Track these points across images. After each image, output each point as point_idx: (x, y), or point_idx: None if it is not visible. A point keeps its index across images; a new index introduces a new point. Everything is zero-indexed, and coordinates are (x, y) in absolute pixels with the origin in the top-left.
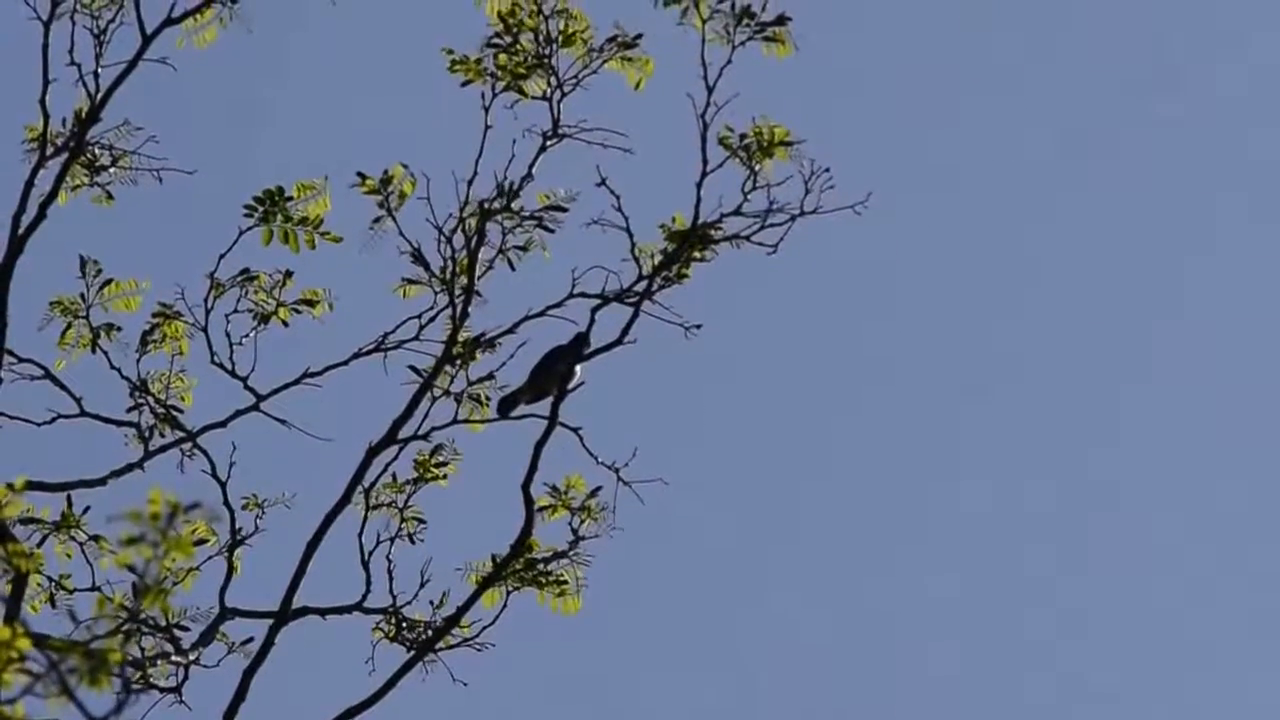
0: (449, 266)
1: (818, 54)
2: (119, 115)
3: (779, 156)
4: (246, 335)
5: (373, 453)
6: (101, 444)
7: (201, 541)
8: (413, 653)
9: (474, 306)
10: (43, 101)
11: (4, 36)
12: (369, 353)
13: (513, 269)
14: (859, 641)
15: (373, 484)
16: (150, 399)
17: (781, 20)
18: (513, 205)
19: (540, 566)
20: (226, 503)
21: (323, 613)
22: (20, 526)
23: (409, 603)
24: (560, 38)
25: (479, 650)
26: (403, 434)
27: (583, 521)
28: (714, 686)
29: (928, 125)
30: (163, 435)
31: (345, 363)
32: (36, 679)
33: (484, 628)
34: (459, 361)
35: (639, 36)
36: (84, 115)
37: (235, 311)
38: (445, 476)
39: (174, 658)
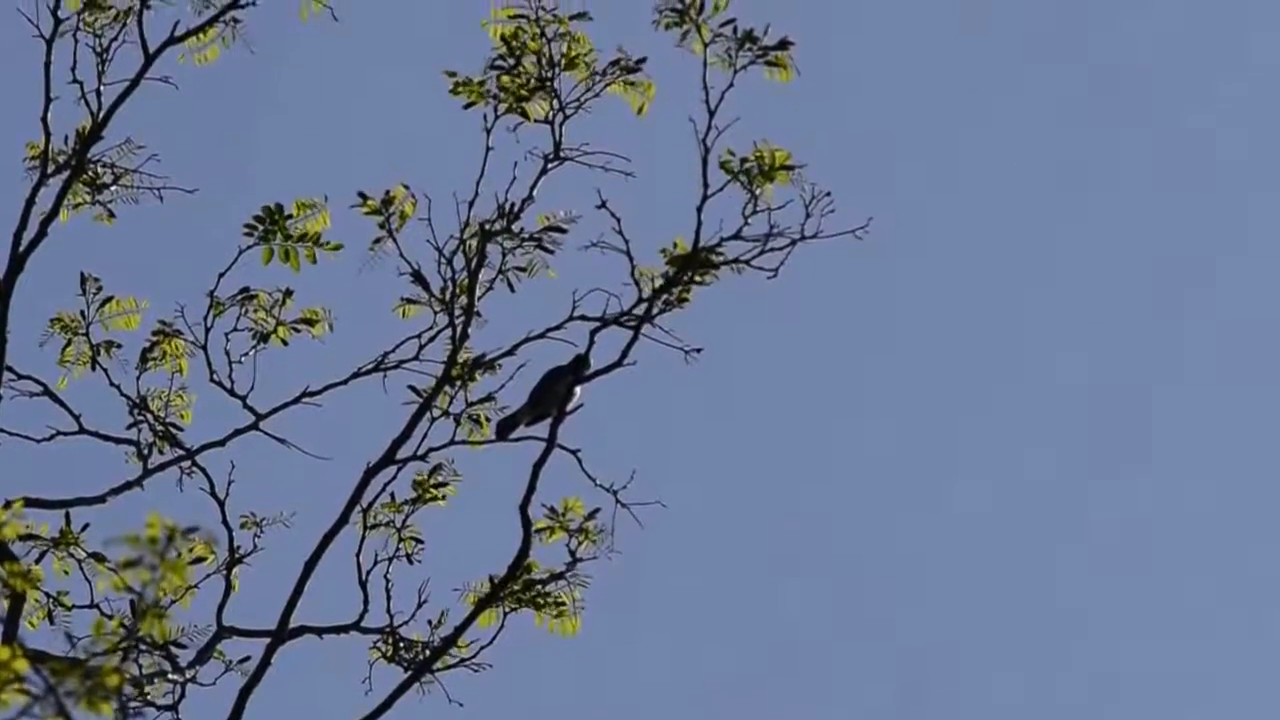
0: (449, 287)
1: (819, 79)
2: (121, 134)
3: (780, 181)
4: (246, 354)
5: (371, 472)
6: (100, 461)
7: (199, 560)
8: (410, 673)
9: (474, 327)
10: (44, 119)
11: (6, 53)
12: (368, 372)
13: (512, 290)
14: (857, 663)
15: (371, 504)
16: (149, 417)
17: (783, 45)
18: (513, 227)
19: (538, 588)
20: (225, 521)
21: (320, 632)
22: (18, 543)
23: (406, 622)
24: (563, 61)
25: (476, 671)
26: (401, 454)
27: (580, 543)
28: (710, 708)
29: (929, 150)
30: (161, 453)
31: (344, 382)
32: (35, 700)
33: (481, 648)
34: (458, 382)
35: (642, 60)
36: (86, 133)
37: (235, 330)
38: (444, 497)
39: (171, 676)
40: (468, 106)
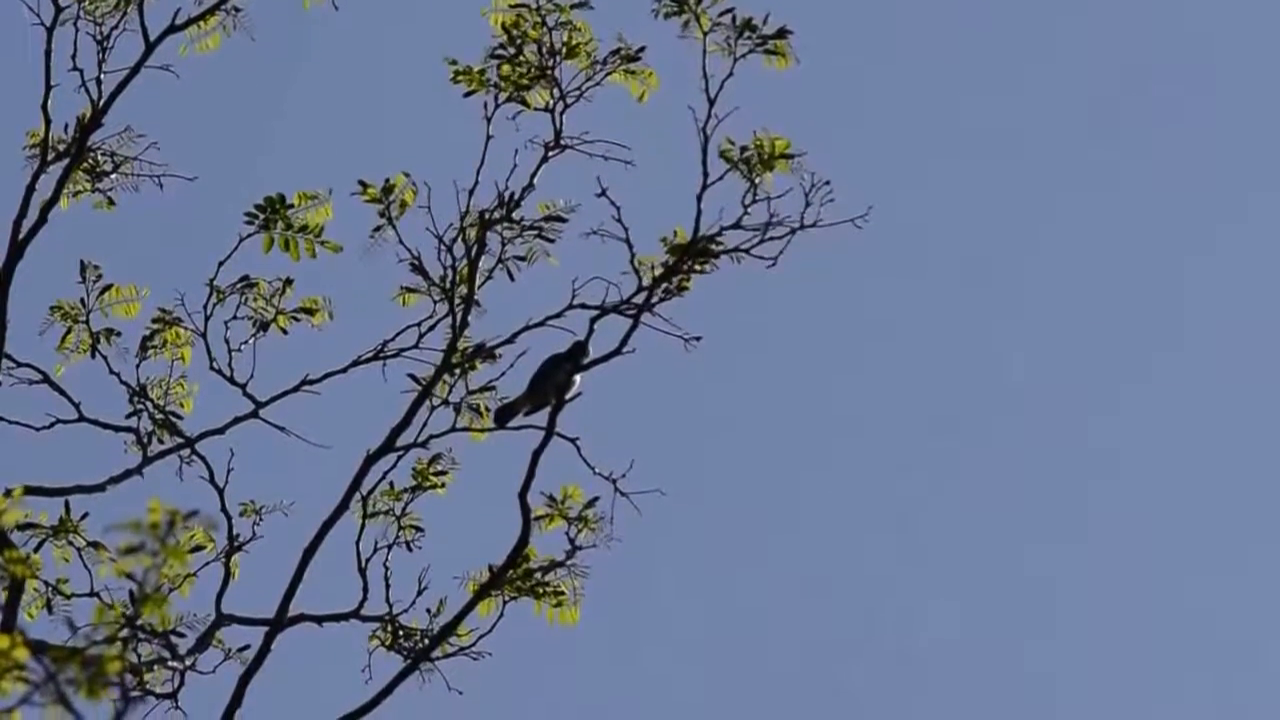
0: (449, 275)
1: (819, 67)
2: (121, 121)
3: (780, 169)
4: (245, 342)
5: (371, 460)
6: (100, 449)
7: (199, 548)
8: (409, 661)
9: (473, 316)
10: (45, 106)
11: (6, 41)
12: (368, 361)
13: (512, 279)
14: (856, 654)
15: (370, 491)
16: (149, 405)
17: (782, 33)
18: (513, 215)
19: (538, 576)
20: (224, 509)
21: (319, 620)
22: (18, 532)
23: (405, 610)
24: (563, 49)
25: (475, 659)
26: (401, 442)
27: (580, 531)
28: (709, 697)
29: (928, 139)
30: (161, 441)
31: (344, 370)
32: (34, 688)
33: (480, 636)
34: (458, 370)
35: (642, 49)
36: (86, 121)
37: (234, 318)
38: (444, 485)
39: (170, 664)
40: (468, 95)
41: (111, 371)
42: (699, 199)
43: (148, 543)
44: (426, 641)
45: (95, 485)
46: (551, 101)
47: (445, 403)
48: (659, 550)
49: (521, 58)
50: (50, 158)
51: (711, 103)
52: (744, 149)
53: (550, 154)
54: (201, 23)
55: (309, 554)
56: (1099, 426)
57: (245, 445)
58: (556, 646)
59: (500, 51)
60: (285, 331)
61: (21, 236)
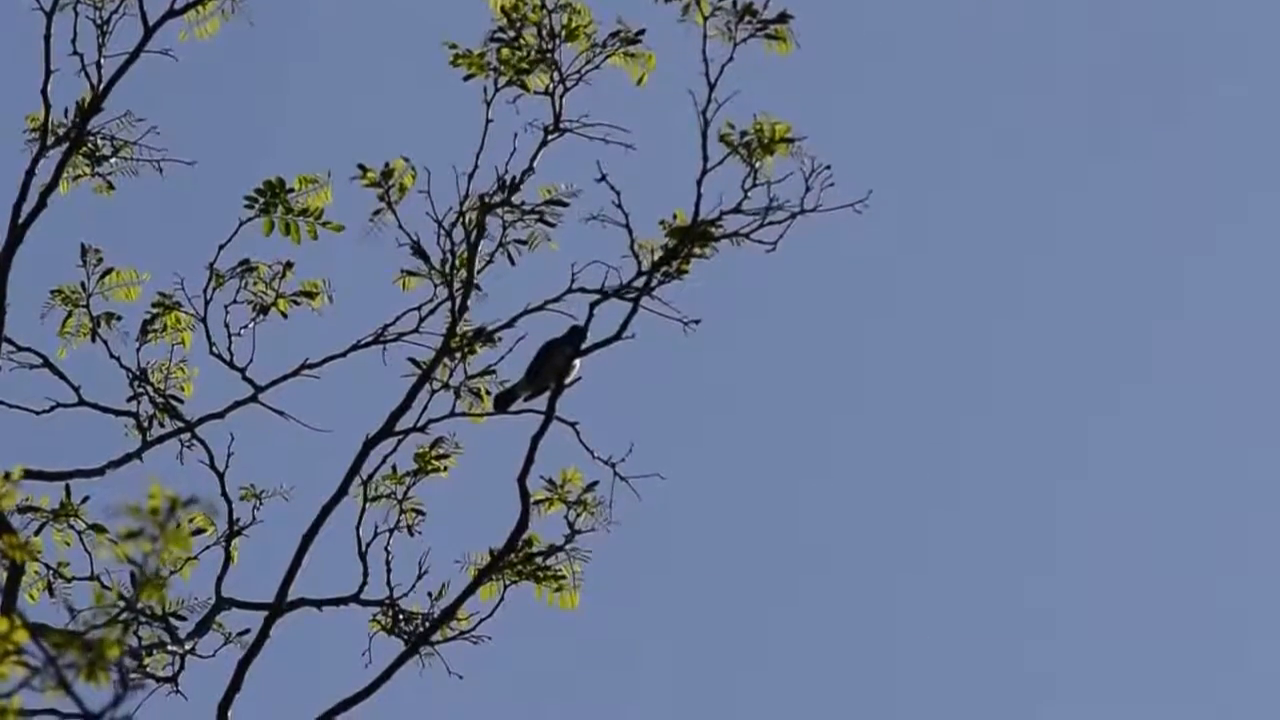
0: (448, 260)
1: (819, 52)
2: (121, 106)
3: (780, 154)
4: (245, 326)
5: (370, 444)
6: (100, 433)
7: (199, 532)
8: (409, 645)
9: (473, 300)
10: (44, 91)
11: (6, 26)
12: (367, 345)
13: (512, 263)
14: (856, 635)
15: (370, 475)
16: (149, 389)
17: (783, 18)
18: (513, 199)
19: (538, 560)
20: (224, 493)
21: (319, 604)
22: (18, 515)
23: (405, 595)
24: (563, 32)
25: (475, 644)
26: (401, 426)
27: (579, 516)
28: (709, 682)
29: (929, 123)
30: (161, 425)
31: (344, 354)
32: (34, 672)
33: (480, 621)
34: (458, 354)
35: (641, 32)
36: (86, 105)
37: (234, 302)
38: (445, 469)
39: (170, 648)
40: (468, 78)
41: (112, 355)
42: (699, 183)
43: (147, 528)
44: (426, 626)
45: (95, 469)
46: (551, 85)
47: (445, 386)
48: (658, 534)
49: (521, 41)
50: (50, 142)
51: (711, 87)
52: (744, 133)
53: (550, 137)
54: (200, 7)
55: (308, 538)
56: (1097, 412)
57: (245, 429)
58: (556, 631)
59: (500, 35)
60: (285, 315)
61: (21, 221)
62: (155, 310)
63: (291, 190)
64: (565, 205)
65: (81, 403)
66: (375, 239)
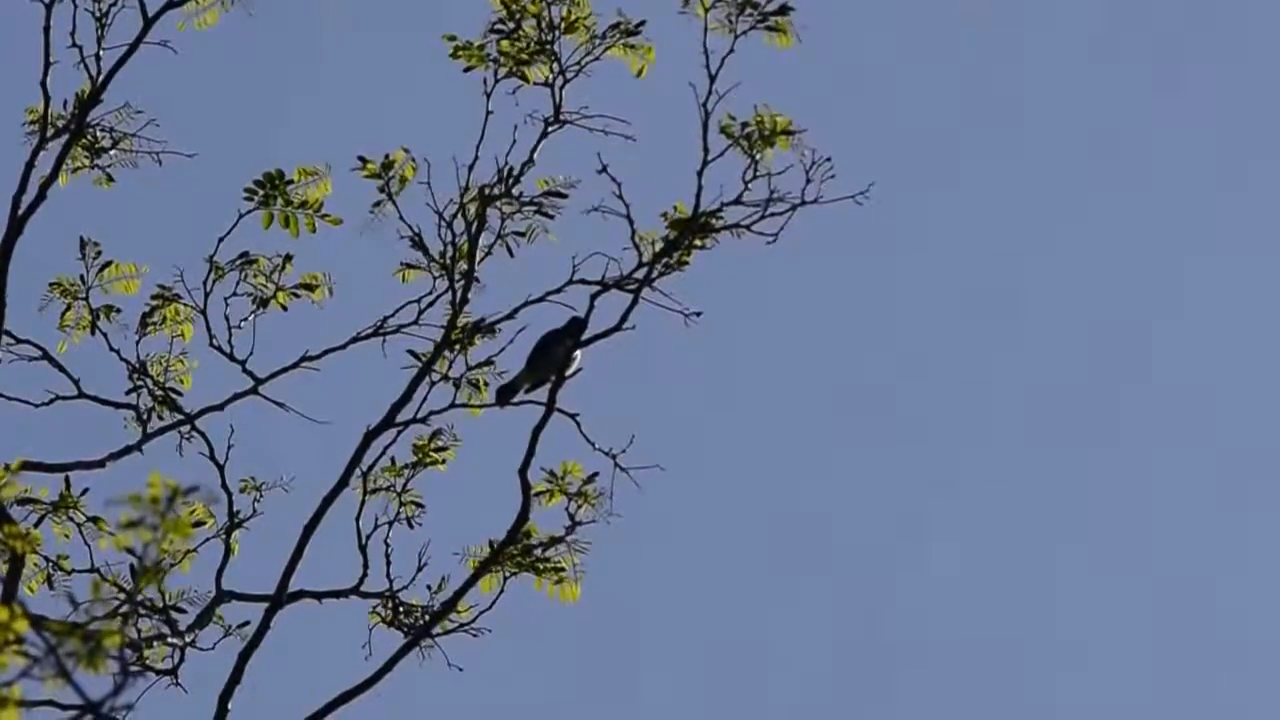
0: (448, 251)
1: (820, 44)
2: (120, 98)
3: (780, 146)
4: (245, 319)
5: (371, 436)
6: (100, 426)
7: (199, 524)
8: (409, 637)
9: (473, 292)
10: (44, 83)
11: (6, 17)
12: (367, 337)
13: (511, 255)
14: (857, 628)
15: (370, 467)
16: (149, 382)
17: (784, 10)
18: (513, 191)
19: (538, 552)
20: (224, 485)
21: (319, 596)
22: (18, 507)
23: (405, 587)
24: (563, 24)
25: (475, 636)
26: (401, 418)
27: (579, 507)
28: (710, 674)
29: (929, 116)
30: (160, 418)
31: (343, 347)
32: (34, 661)
33: (480, 613)
34: (458, 346)
35: (641, 24)
36: (85, 97)
37: (234, 295)
38: (444, 461)
39: (170, 640)
40: (468, 70)
41: (111, 348)
42: (699, 175)
43: (148, 517)
44: (427, 618)
45: (95, 461)
46: (551, 76)
47: (445, 378)
48: (659, 526)
49: (521, 32)
50: (50, 134)
51: (712, 79)
52: (745, 125)
53: (550, 129)
54: None
55: (309, 530)
56: (1098, 407)
57: (245, 422)
58: (556, 623)
59: (499, 26)
60: (285, 308)
61: (21, 213)
62: (155, 303)
63: (291, 183)
64: (564, 197)
65: (81, 395)
66: (375, 231)
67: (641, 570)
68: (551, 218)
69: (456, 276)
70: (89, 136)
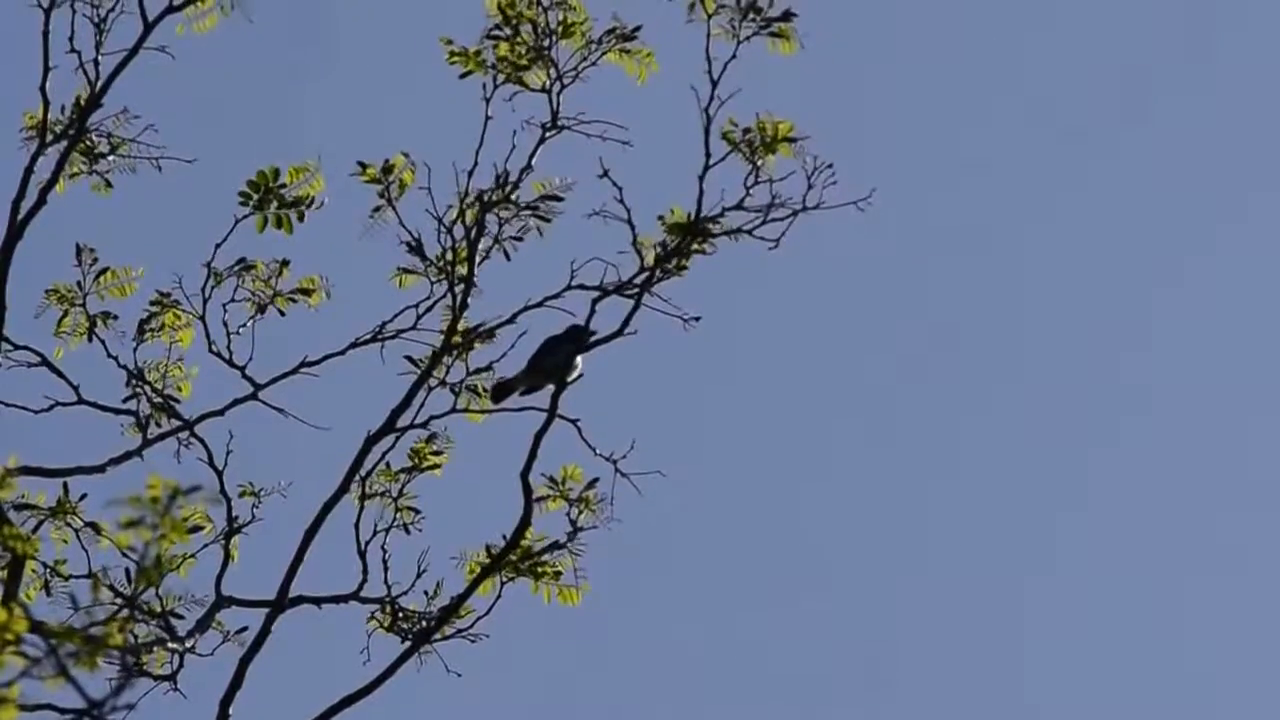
0: (446, 256)
1: (823, 50)
2: (119, 103)
3: (782, 152)
4: (244, 324)
5: (371, 441)
6: (99, 432)
7: (198, 529)
8: (408, 643)
9: (472, 297)
10: (43, 88)
11: (5, 22)
12: (366, 342)
13: (508, 258)
14: (857, 633)
15: (369, 473)
16: (147, 388)
17: (787, 16)
18: (511, 196)
19: (537, 557)
20: (223, 491)
21: (319, 601)
22: (15, 512)
23: (405, 593)
24: (559, 29)
25: (473, 642)
26: (401, 423)
27: (580, 513)
28: (709, 680)
29: (931, 122)
30: (158, 425)
31: (342, 352)
32: (34, 662)
33: (478, 618)
34: (456, 352)
35: (638, 28)
36: (84, 102)
37: (232, 300)
38: (439, 467)
39: (169, 645)
40: (465, 76)
41: (109, 355)
42: (701, 180)
43: (147, 516)
44: (426, 624)
45: (95, 466)
46: (549, 82)
47: (442, 384)
48: (659, 531)
49: (518, 38)
50: (49, 139)
51: (714, 84)
52: (746, 131)
53: (548, 135)
54: (199, 2)
55: (310, 535)
56: (1100, 413)
57: (244, 427)
58: (555, 628)
59: (496, 32)
60: (283, 313)
61: (21, 217)
62: (153, 309)
63: (284, 186)
64: (560, 200)
65: (80, 401)
66: (374, 235)
67: (641, 575)
68: (548, 221)
69: (455, 281)
70: (88, 142)
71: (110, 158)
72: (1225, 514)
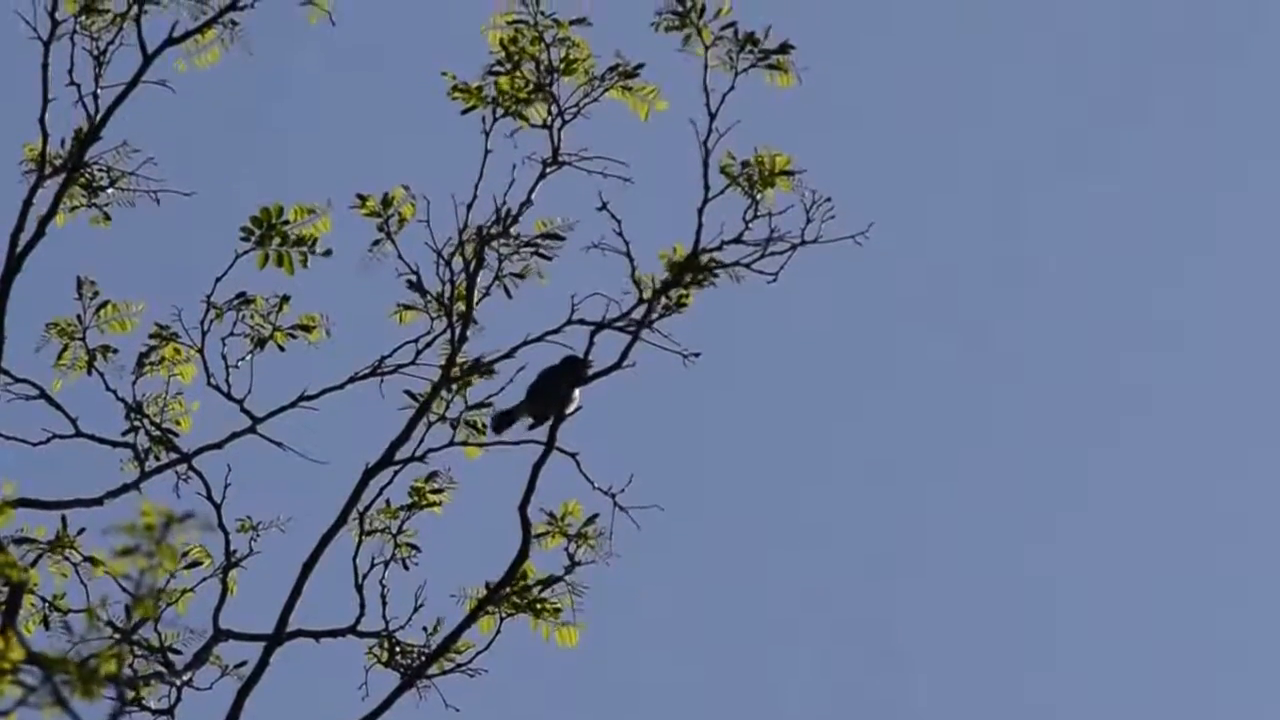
0: (445, 290)
1: (821, 81)
2: (118, 136)
3: (780, 186)
4: (243, 358)
5: (369, 474)
6: (97, 465)
7: (196, 564)
8: (406, 677)
9: (471, 332)
10: (42, 120)
11: (4, 55)
12: (365, 377)
13: (509, 296)
14: (856, 666)
15: (367, 508)
16: (146, 421)
17: (784, 49)
18: (511, 231)
19: (535, 592)
20: (221, 524)
21: (317, 635)
22: (14, 546)
23: (402, 627)
24: (561, 65)
25: (471, 676)
26: (400, 456)
27: (579, 548)
28: (710, 714)
29: (929, 156)
30: (157, 458)
31: (341, 386)
32: (31, 690)
33: (477, 653)
34: (455, 386)
35: (640, 66)
36: (83, 135)
37: (232, 334)
38: (439, 504)
39: (167, 679)
40: (466, 111)
41: (108, 388)
42: (700, 213)
43: (142, 544)
44: (424, 658)
45: (93, 499)
46: (549, 118)
47: (442, 419)
48: (658, 566)
49: (519, 74)
50: (48, 172)
51: (712, 117)
52: (745, 165)
53: (548, 170)
54: (199, 37)
55: (308, 568)
56: (1097, 444)
57: (243, 461)
58: (553, 663)
59: (498, 68)
60: (282, 349)
61: (20, 249)
62: (152, 343)
63: (288, 222)
64: (562, 239)
65: (79, 434)
66: (374, 270)
67: (639, 610)
68: (549, 259)
69: (455, 316)
70: (87, 175)
71: (109, 191)
72: (1227, 511)
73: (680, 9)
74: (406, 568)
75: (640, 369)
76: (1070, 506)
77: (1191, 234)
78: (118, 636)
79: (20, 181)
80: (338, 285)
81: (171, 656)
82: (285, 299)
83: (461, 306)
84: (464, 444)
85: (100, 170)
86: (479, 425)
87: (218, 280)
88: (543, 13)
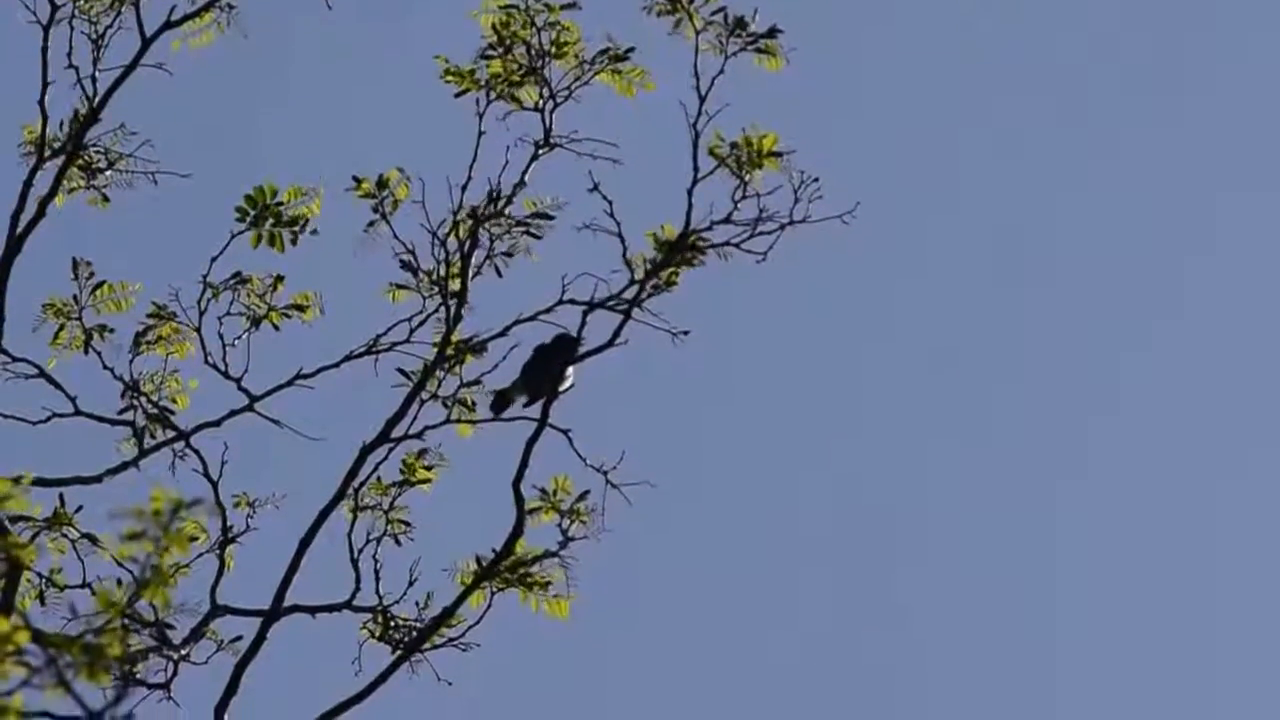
0: (438, 270)
1: (808, 64)
2: (116, 118)
3: (769, 166)
4: (239, 337)
5: (366, 452)
6: (96, 443)
7: (193, 539)
8: (399, 652)
9: (464, 311)
10: (42, 103)
11: (4, 39)
12: (360, 355)
13: (500, 275)
14: (850, 643)
15: (361, 485)
16: (143, 399)
17: (773, 33)
18: (504, 212)
19: (528, 567)
20: (218, 501)
21: (312, 611)
22: (10, 524)
23: (396, 602)
24: (552, 50)
25: (464, 650)
26: (396, 433)
27: (571, 524)
28: (700, 690)
29: (916, 136)
30: (153, 436)
31: (337, 365)
32: (34, 671)
33: (469, 628)
34: (449, 365)
35: (630, 50)
36: (82, 118)
37: (228, 314)
38: (428, 482)
39: (164, 653)
40: (459, 94)
41: (105, 367)
42: (689, 194)
43: (149, 529)
44: (415, 633)
45: (93, 476)
46: (541, 101)
47: (435, 398)
48: (649, 542)
49: (511, 57)
50: (47, 154)
51: (702, 99)
52: (733, 146)
53: (540, 152)
54: (196, 19)
55: (304, 544)
56: (1099, 425)
57: (239, 438)
58: (545, 638)
59: (490, 52)
60: (277, 328)
61: (20, 231)
62: (149, 322)
63: (282, 204)
64: (551, 218)
65: (78, 412)
66: (369, 249)
67: (631, 586)
68: (538, 238)
69: (448, 296)
70: (86, 157)
71: (108, 172)
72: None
73: None
74: (399, 543)
75: (631, 345)
76: (1071, 475)
77: (1193, 230)
78: (116, 611)
79: (20, 164)
80: (333, 265)
81: (167, 631)
82: (279, 279)
83: (455, 285)
84: (460, 421)
85: (99, 152)
86: (468, 403)
87: (213, 260)
88: None
